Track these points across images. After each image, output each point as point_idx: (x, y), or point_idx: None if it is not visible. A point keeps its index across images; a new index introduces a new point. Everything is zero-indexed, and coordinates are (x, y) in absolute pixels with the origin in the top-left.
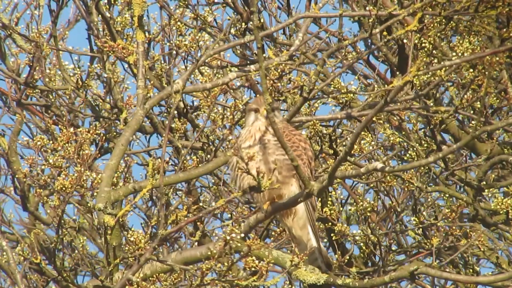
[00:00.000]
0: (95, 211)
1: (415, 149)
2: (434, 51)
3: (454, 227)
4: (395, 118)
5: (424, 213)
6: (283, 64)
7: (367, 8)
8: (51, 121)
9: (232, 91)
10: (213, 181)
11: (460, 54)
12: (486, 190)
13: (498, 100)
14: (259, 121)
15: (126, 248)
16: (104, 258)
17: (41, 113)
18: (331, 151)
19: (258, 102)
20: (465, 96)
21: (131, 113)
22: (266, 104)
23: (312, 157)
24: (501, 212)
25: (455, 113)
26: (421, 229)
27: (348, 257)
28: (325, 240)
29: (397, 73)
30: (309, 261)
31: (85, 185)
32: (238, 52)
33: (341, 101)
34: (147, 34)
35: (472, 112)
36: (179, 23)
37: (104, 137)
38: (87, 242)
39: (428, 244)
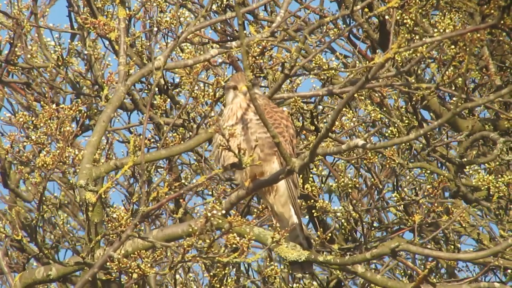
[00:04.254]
0: (76, 188)
1: (396, 125)
2: (415, 28)
3: (436, 204)
4: (376, 95)
5: (405, 189)
6: (265, 41)
7: None
8: (32, 98)
9: (214, 67)
10: (194, 158)
11: (442, 31)
12: (467, 167)
13: (479, 77)
14: (238, 98)
15: (108, 225)
16: (86, 235)
17: (23, 90)
18: (312, 128)
19: (235, 80)
20: (447, 73)
21: (112, 90)
22: (247, 81)
23: (294, 134)
24: (482, 188)
25: (436, 89)
26: (402, 206)
27: (330, 234)
28: (306, 217)
29: (378, 50)
30: (290, 238)
31: (67, 161)
32: (219, 29)
33: (322, 78)
34: (128, 10)
35: (453, 89)
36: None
37: (85, 114)
38: (68, 219)
39: (409, 220)
